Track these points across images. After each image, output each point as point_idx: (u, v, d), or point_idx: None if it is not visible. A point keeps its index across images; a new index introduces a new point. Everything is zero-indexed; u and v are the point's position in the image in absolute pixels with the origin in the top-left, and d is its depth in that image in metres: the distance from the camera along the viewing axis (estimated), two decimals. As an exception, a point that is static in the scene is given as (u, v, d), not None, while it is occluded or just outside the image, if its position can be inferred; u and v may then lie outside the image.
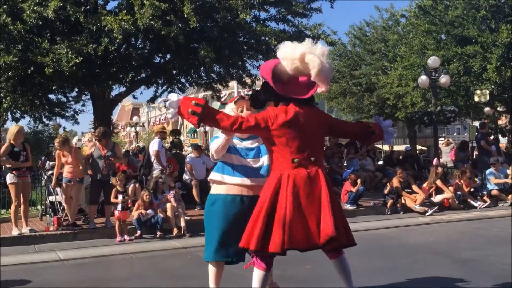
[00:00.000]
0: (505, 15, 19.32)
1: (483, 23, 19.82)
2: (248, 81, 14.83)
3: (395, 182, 12.10)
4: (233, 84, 20.26)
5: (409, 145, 23.48)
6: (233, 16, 11.60)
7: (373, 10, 37.62)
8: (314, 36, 12.98)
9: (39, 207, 11.27)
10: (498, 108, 23.45)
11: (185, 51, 12.16)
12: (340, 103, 27.74)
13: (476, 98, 19.79)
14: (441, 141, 34.86)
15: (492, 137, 17.80)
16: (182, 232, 9.25)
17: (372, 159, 16.18)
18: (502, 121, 29.19)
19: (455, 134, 55.58)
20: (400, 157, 17.16)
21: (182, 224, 9.38)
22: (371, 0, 62.21)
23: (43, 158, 17.05)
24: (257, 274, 3.89)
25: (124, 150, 19.28)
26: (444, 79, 15.59)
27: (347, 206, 11.63)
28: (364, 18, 34.99)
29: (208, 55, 11.37)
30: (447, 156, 21.35)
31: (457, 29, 19.62)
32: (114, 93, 14.34)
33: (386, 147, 29.98)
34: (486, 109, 22.38)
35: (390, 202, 11.69)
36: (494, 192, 12.82)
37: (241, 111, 4.24)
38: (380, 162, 17.62)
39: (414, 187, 12.22)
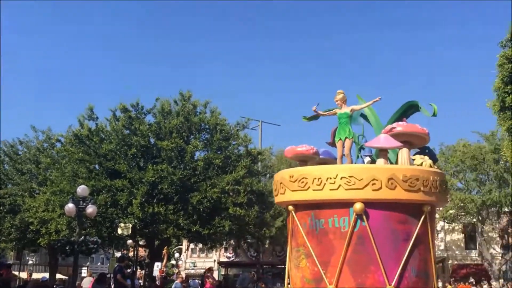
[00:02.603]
0: (152, 156, 21.20)
1: (133, 160, 21.24)
2: None
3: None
4: None
5: (46, 275, 22.27)
6: None
7: (29, 129, 36.32)
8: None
9: None
10: (140, 242, 24.64)
11: None
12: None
13: (120, 231, 20.47)
14: (84, 270, 34.18)
15: (129, 270, 18.38)
16: None
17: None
18: (142, 253, 30.73)
19: (99, 264, 55.59)
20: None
21: None
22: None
23: None
24: None
25: None
26: (91, 209, 15.66)
27: None
28: (19, 136, 33.47)
29: None
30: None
31: (109, 162, 20.50)
32: None
33: (23, 275, 27.69)
34: (129, 241, 23.27)
35: None
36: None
37: None
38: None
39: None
